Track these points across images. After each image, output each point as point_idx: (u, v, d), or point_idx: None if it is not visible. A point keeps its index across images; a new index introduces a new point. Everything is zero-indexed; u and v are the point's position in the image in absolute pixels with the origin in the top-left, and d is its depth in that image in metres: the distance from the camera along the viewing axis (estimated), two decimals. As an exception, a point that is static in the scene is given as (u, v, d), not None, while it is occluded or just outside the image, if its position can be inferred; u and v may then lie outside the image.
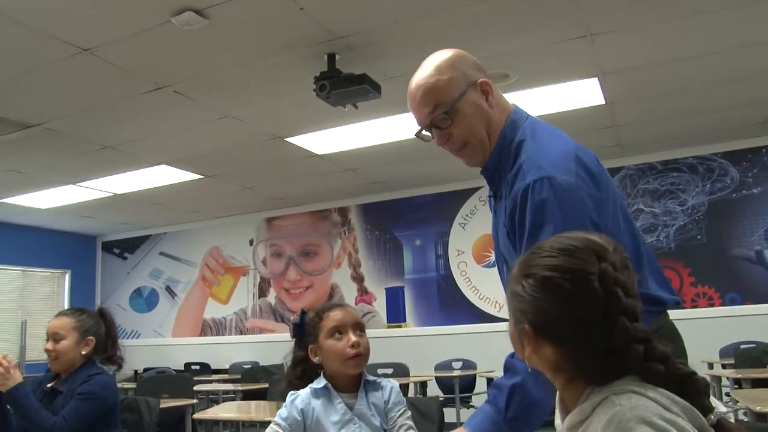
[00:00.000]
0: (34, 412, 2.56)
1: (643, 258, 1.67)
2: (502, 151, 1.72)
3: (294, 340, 2.27)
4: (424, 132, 1.80)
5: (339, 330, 2.11)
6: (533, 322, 1.07)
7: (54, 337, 2.77)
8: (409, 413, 2.10)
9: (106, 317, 2.94)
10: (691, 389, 1.01)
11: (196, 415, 3.80)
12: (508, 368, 1.63)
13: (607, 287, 1.04)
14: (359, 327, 2.14)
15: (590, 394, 1.05)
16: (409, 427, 2.06)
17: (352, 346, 2.08)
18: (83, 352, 2.80)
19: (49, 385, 2.81)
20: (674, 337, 1.59)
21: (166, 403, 4.40)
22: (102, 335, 2.88)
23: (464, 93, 1.70)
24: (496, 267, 1.96)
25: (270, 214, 9.67)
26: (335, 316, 2.14)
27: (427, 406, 2.43)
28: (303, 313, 2.26)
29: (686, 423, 0.95)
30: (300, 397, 2.12)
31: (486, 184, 1.85)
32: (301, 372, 2.21)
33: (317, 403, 2.11)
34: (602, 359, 1.04)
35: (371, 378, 2.17)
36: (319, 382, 2.13)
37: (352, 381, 2.13)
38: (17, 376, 2.61)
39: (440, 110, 1.70)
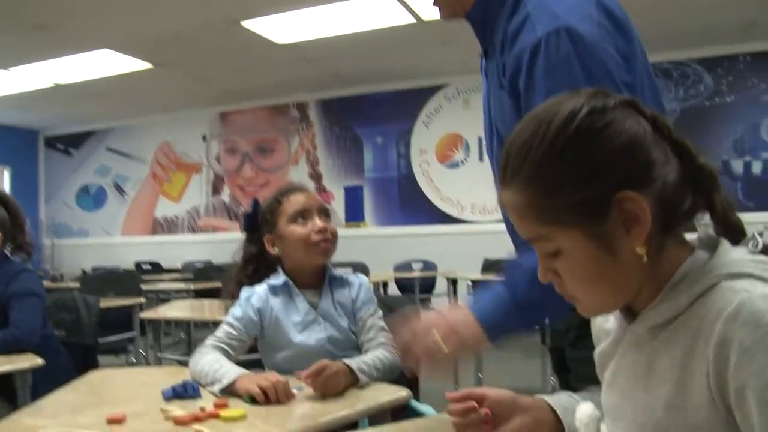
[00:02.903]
0: None
1: None
2: None
3: (245, 234, 1.99)
4: None
5: (302, 214, 1.86)
6: (626, 178, 0.78)
7: None
8: (380, 313, 1.87)
9: (8, 203, 2.60)
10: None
11: (143, 315, 3.55)
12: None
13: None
14: (324, 212, 1.89)
15: (683, 281, 0.79)
16: (381, 329, 1.83)
17: (319, 231, 1.83)
18: None
19: None
20: None
21: (112, 302, 4.14)
22: (7, 224, 2.55)
23: None
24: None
25: (224, 108, 9.18)
26: (297, 199, 1.88)
27: (401, 305, 2.19)
28: (256, 203, 1.98)
29: None
30: (257, 295, 1.86)
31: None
32: (253, 270, 1.95)
33: (276, 302, 1.85)
34: (682, 187, 0.81)
35: (337, 273, 1.92)
36: (278, 278, 1.88)
37: (316, 276, 1.89)
38: None
39: None
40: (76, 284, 5.68)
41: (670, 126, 0.83)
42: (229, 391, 1.55)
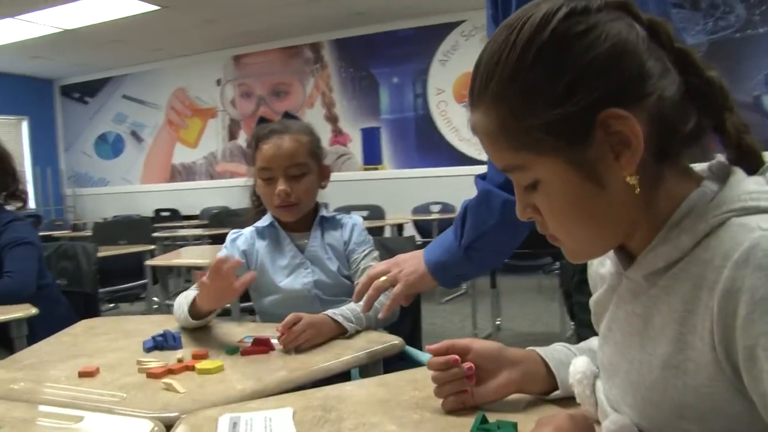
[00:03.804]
0: None
1: None
2: None
3: None
4: None
5: (268, 172, 1.71)
6: (612, 92, 0.64)
7: None
8: (376, 254, 1.75)
9: None
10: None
11: (149, 262, 3.50)
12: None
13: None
14: (295, 167, 1.70)
15: (686, 218, 0.66)
16: None
17: (279, 194, 1.68)
18: None
19: None
20: None
21: (123, 250, 4.13)
22: None
23: None
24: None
25: (237, 51, 9.00)
26: (266, 152, 1.70)
27: (402, 246, 2.07)
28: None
29: None
30: (243, 237, 1.78)
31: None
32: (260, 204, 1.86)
33: (262, 245, 1.76)
34: (684, 105, 0.67)
35: (329, 214, 1.80)
36: (265, 220, 1.78)
37: (304, 218, 1.77)
38: None
39: None
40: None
41: (672, 34, 0.69)
42: (196, 313, 1.53)
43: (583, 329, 1.26)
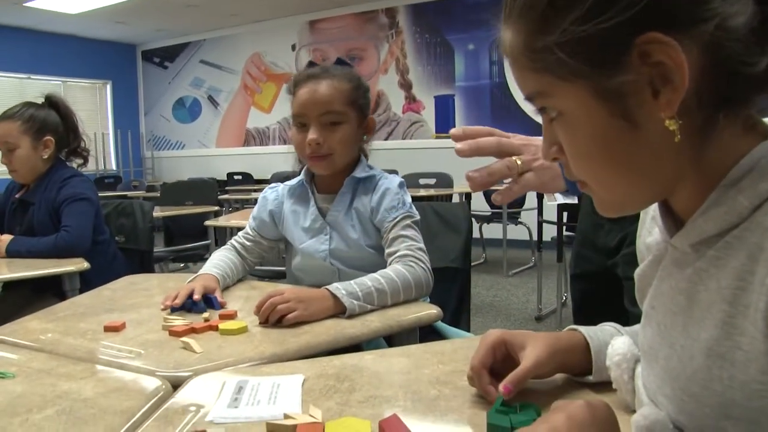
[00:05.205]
0: (37, 250, 2.27)
1: None
2: None
3: None
4: None
5: (301, 119, 1.56)
6: (655, 12, 0.51)
7: (6, 146, 2.38)
8: (409, 221, 1.55)
9: (59, 106, 2.51)
10: None
11: (209, 222, 3.52)
12: None
13: None
14: (330, 114, 1.54)
15: (746, 176, 0.54)
16: (404, 238, 1.52)
17: (310, 143, 1.54)
18: (44, 156, 2.43)
19: (17, 196, 2.50)
20: None
21: (187, 210, 4.19)
22: (59, 129, 2.48)
23: None
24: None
25: (312, 16, 8.93)
26: (300, 97, 1.55)
27: (452, 212, 1.95)
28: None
29: None
30: (274, 194, 1.73)
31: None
32: None
33: (288, 204, 1.68)
34: (756, 40, 0.52)
35: (366, 173, 1.62)
36: (298, 178, 1.69)
37: (338, 177, 1.62)
38: (3, 238, 2.33)
39: None
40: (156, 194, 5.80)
41: None
42: None
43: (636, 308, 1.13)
